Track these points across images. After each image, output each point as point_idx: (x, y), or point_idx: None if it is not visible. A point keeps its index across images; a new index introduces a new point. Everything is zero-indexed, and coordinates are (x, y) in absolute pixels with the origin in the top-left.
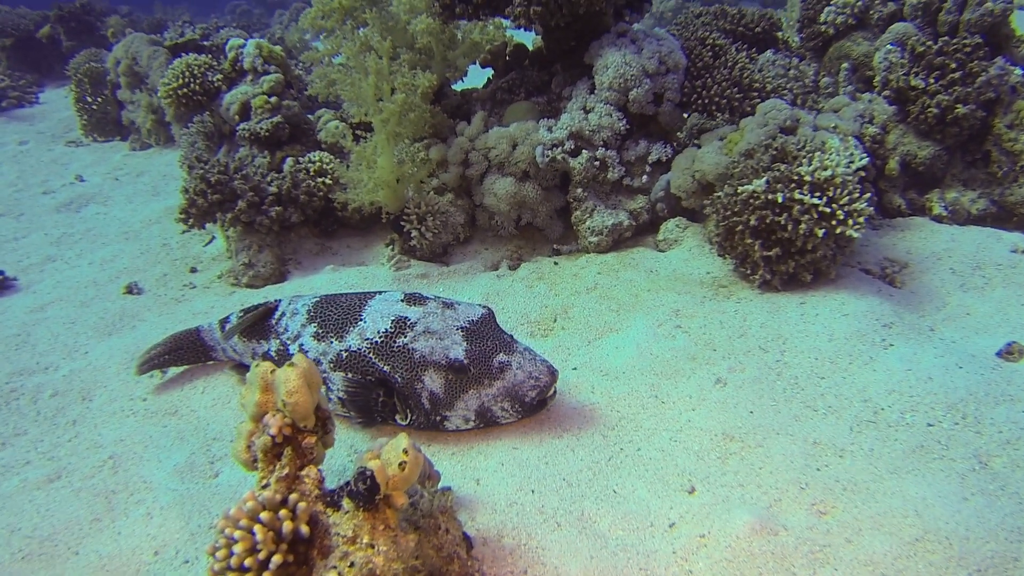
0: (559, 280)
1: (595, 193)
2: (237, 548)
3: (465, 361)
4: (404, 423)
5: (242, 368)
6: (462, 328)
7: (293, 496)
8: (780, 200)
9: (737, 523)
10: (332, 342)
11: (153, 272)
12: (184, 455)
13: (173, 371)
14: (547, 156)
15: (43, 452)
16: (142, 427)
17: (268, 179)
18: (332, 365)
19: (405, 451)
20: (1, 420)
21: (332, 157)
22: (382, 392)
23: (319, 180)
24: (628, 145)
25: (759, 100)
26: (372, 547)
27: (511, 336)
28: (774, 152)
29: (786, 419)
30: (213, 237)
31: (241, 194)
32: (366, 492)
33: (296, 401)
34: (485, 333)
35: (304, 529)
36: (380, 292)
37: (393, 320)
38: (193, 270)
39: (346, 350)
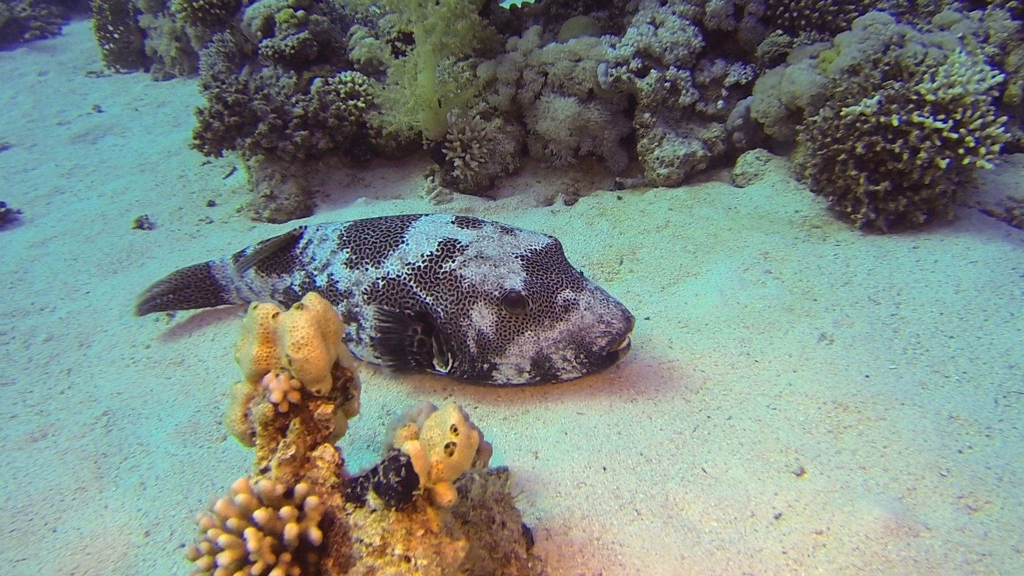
0: (624, 217)
1: (665, 119)
2: (222, 559)
3: (523, 293)
4: (444, 370)
5: None
6: (522, 256)
7: (301, 487)
8: (895, 123)
9: (865, 518)
10: (367, 269)
11: (167, 205)
12: (187, 413)
13: (183, 315)
14: (610, 75)
15: (31, 405)
16: (143, 379)
17: (293, 100)
18: (366, 297)
19: (454, 428)
20: None
21: (365, 78)
22: (419, 328)
23: (350, 103)
24: (703, 65)
25: (856, 14)
26: (408, 560)
27: (580, 273)
28: (886, 67)
29: (910, 386)
30: (234, 168)
31: (262, 116)
32: (400, 486)
33: (306, 357)
34: (549, 265)
35: (314, 533)
36: (426, 215)
37: (440, 242)
38: (211, 203)
39: (383, 278)
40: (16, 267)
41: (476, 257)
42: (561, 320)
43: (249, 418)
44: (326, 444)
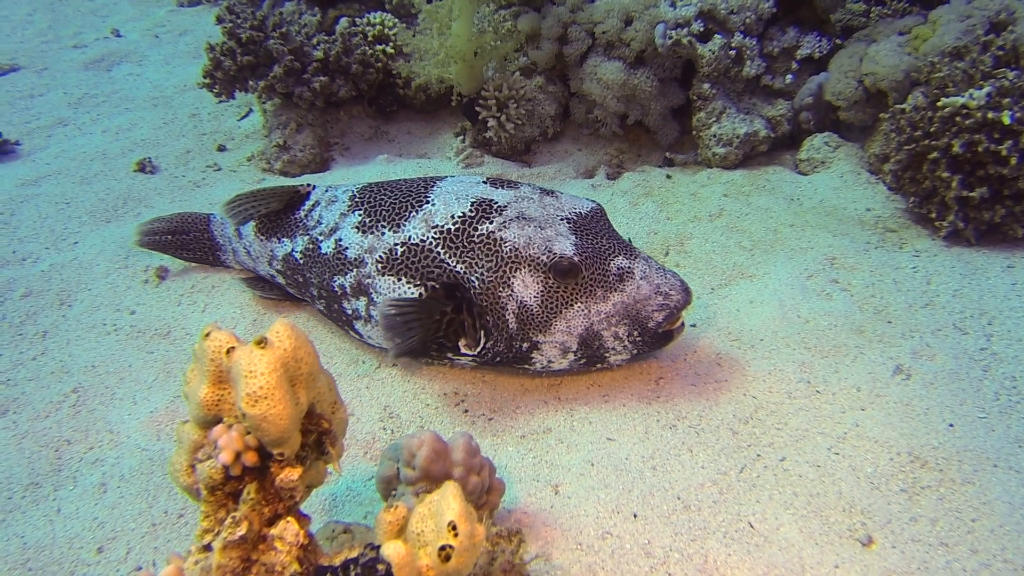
0: (672, 199)
1: (725, 91)
2: None
3: (575, 259)
4: (474, 352)
5: (257, 283)
6: (567, 219)
7: None
8: (1006, 121)
9: None
10: (384, 233)
11: (174, 147)
12: (166, 398)
13: (172, 278)
14: (669, 38)
15: None
16: (122, 350)
17: (314, 41)
18: (380, 266)
19: (453, 526)
20: None
21: (396, 20)
22: (449, 308)
23: (378, 48)
24: (772, 33)
25: None
26: None
27: (629, 240)
28: (999, 52)
29: (1004, 443)
30: (251, 110)
31: (278, 57)
32: None
33: (264, 414)
34: (598, 229)
35: None
36: (451, 175)
37: (474, 202)
38: (221, 148)
39: (403, 243)
40: (2, 208)
41: (517, 218)
42: (615, 291)
43: (197, 472)
44: (289, 518)
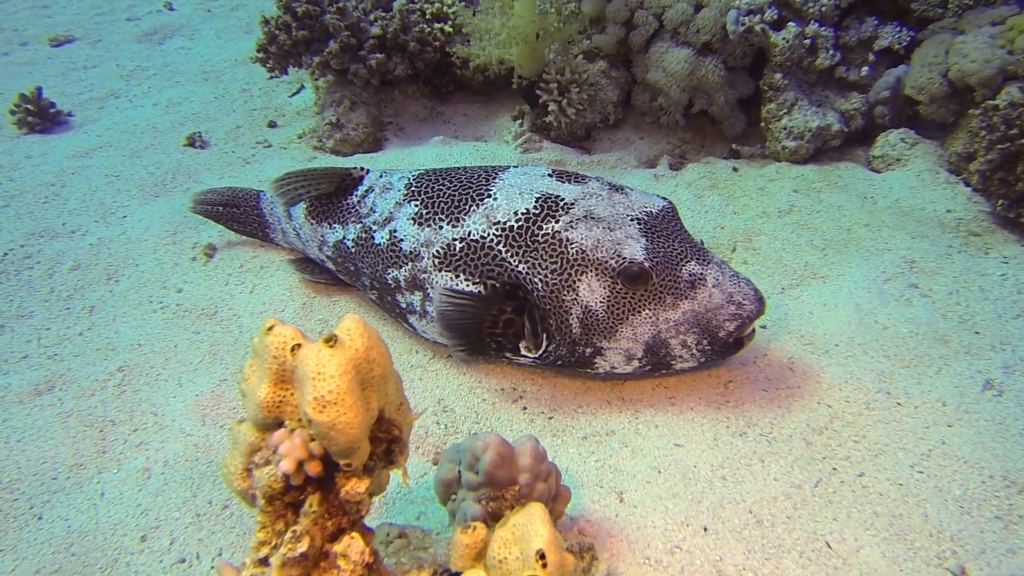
0: (739, 193)
1: (798, 83)
2: None
3: (646, 264)
4: (534, 355)
5: (306, 266)
6: (637, 219)
7: None
8: None
9: None
10: (442, 227)
11: (224, 122)
12: (212, 382)
13: (220, 257)
14: (742, 24)
15: (45, 346)
16: (169, 329)
17: (371, 17)
18: (438, 261)
19: (542, 556)
20: (5, 294)
21: None
22: (509, 308)
23: (436, 26)
24: (849, 23)
25: None
26: None
27: (701, 242)
28: None
29: None
30: (302, 86)
31: (334, 33)
32: None
33: (333, 421)
34: (669, 231)
35: None
36: (514, 166)
37: (539, 198)
38: (272, 124)
39: (462, 238)
40: (54, 179)
41: (585, 218)
42: (685, 298)
43: (252, 476)
44: (353, 533)
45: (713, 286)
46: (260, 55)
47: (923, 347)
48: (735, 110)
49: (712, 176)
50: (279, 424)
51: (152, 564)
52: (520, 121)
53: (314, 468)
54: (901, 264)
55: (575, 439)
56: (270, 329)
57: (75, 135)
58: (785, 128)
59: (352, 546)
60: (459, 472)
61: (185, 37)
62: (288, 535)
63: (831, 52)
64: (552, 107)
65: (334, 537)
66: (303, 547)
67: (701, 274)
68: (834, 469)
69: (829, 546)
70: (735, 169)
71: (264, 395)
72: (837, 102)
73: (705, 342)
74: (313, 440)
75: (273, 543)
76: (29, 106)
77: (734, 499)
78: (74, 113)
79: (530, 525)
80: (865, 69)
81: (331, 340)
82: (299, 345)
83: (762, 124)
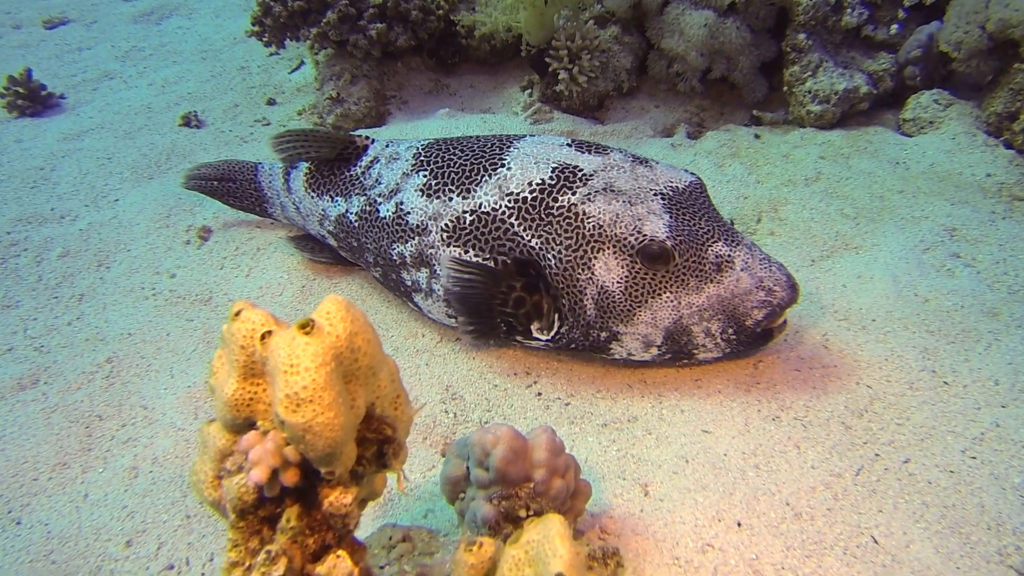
0: (763, 161)
1: (823, 43)
2: None
3: (668, 243)
4: (546, 337)
5: (306, 244)
6: (662, 195)
7: None
8: None
9: None
10: (451, 198)
11: (221, 101)
12: (206, 371)
13: (215, 240)
14: None
15: (32, 337)
16: (160, 317)
17: None
18: (446, 235)
19: None
20: None
21: None
22: (519, 285)
23: None
24: None
25: None
26: None
27: (731, 221)
28: None
29: None
30: (302, 62)
31: (332, 2)
32: None
33: (309, 422)
34: (696, 209)
35: None
36: (531, 135)
37: (556, 168)
38: (271, 102)
39: (473, 211)
40: (44, 163)
41: (604, 190)
42: (711, 282)
43: (223, 484)
44: (340, 552)
45: (741, 269)
46: (255, 29)
47: (970, 321)
48: (756, 75)
49: (733, 144)
50: (251, 425)
51: (138, 572)
52: (529, 91)
53: (291, 477)
54: (941, 232)
55: (594, 426)
56: (237, 314)
57: (67, 118)
58: (810, 91)
59: (338, 567)
60: (467, 468)
61: (183, 16)
62: (262, 556)
63: (858, 9)
64: (562, 75)
65: (317, 556)
66: (279, 571)
67: (729, 256)
68: (877, 455)
69: (875, 541)
70: (757, 136)
71: (232, 392)
72: (865, 63)
73: (731, 331)
74: (286, 445)
75: (247, 564)
76: (19, 89)
77: (769, 490)
78: (67, 95)
79: (547, 543)
80: (895, 27)
81: (307, 326)
82: (270, 332)
83: (785, 88)
